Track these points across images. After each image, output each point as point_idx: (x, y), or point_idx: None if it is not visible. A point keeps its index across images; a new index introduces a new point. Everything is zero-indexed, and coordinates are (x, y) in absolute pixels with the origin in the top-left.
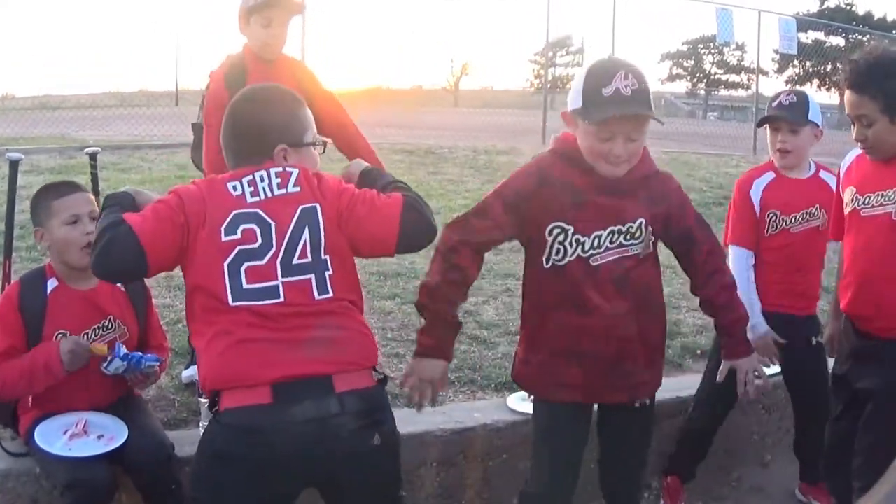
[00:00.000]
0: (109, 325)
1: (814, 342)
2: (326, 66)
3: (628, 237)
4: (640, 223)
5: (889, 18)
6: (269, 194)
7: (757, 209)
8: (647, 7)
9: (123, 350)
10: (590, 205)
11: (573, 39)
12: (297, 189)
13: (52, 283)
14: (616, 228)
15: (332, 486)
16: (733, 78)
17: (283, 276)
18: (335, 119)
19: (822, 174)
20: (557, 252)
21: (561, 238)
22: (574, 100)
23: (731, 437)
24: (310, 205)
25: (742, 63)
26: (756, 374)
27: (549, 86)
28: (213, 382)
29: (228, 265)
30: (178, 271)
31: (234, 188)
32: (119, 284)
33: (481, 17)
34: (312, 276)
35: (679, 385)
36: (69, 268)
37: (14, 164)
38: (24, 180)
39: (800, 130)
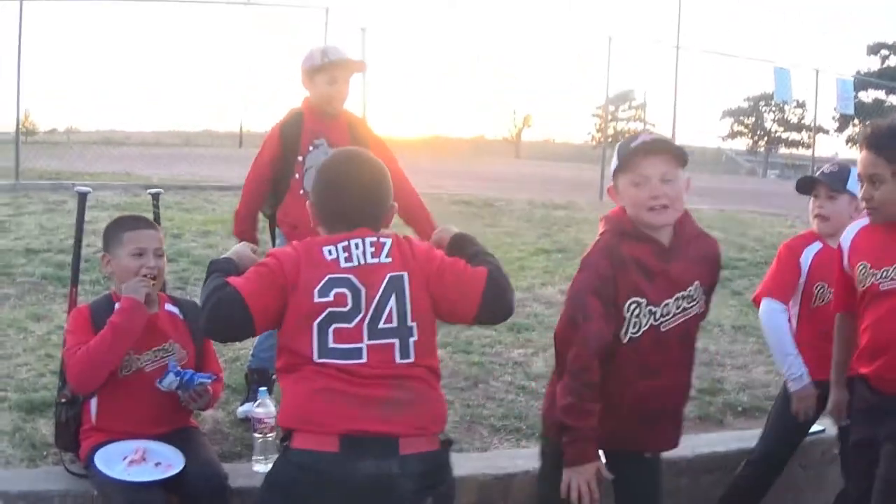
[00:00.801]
0: (169, 348)
1: None
2: (386, 114)
3: (690, 301)
4: (696, 284)
5: None
6: (363, 262)
7: (803, 276)
8: (708, 63)
9: (177, 366)
10: (656, 276)
11: (635, 94)
12: (389, 260)
13: (117, 306)
14: (681, 294)
15: None
16: (794, 136)
17: (368, 339)
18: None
19: None
20: (634, 326)
21: (637, 312)
22: (613, 170)
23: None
24: (398, 273)
25: (802, 121)
26: None
27: (609, 139)
28: (289, 421)
29: (318, 324)
30: None
31: (330, 252)
32: (179, 314)
33: (546, 69)
34: (397, 341)
35: (719, 440)
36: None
37: (83, 197)
38: (90, 215)
39: (837, 197)
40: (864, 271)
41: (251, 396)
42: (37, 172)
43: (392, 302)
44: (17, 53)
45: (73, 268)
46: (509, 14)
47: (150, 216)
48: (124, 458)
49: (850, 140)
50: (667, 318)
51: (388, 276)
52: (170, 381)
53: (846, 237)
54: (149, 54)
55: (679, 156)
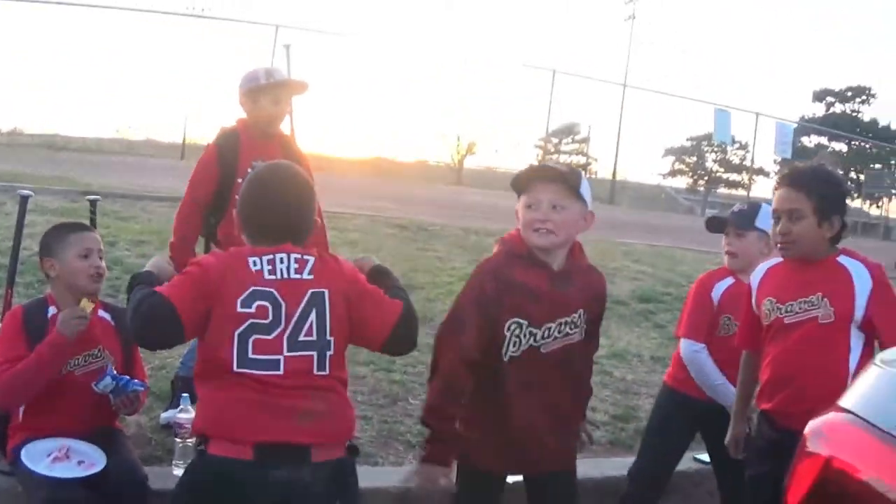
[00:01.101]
0: (98, 354)
1: None
2: (326, 132)
3: (572, 327)
4: (580, 312)
5: (893, 127)
6: (286, 276)
7: (714, 308)
8: (653, 102)
9: (114, 371)
10: (541, 300)
11: (580, 128)
12: (311, 277)
13: (52, 310)
14: (563, 319)
15: None
16: (734, 177)
17: (287, 351)
18: None
19: None
20: (514, 344)
21: (517, 332)
22: (513, 187)
23: None
24: (320, 290)
25: (744, 162)
26: None
27: None
28: (205, 428)
29: (239, 334)
30: None
31: (255, 264)
32: (111, 320)
33: (490, 98)
34: (315, 354)
35: (628, 465)
36: (72, 295)
37: (24, 200)
38: (28, 218)
39: (745, 235)
40: (769, 306)
41: (175, 403)
42: None
43: (313, 316)
44: None
45: (10, 270)
46: (458, 40)
47: (87, 222)
48: (49, 456)
49: None
50: (547, 340)
51: (310, 291)
52: (106, 383)
53: (756, 276)
54: (94, 60)
55: (573, 188)
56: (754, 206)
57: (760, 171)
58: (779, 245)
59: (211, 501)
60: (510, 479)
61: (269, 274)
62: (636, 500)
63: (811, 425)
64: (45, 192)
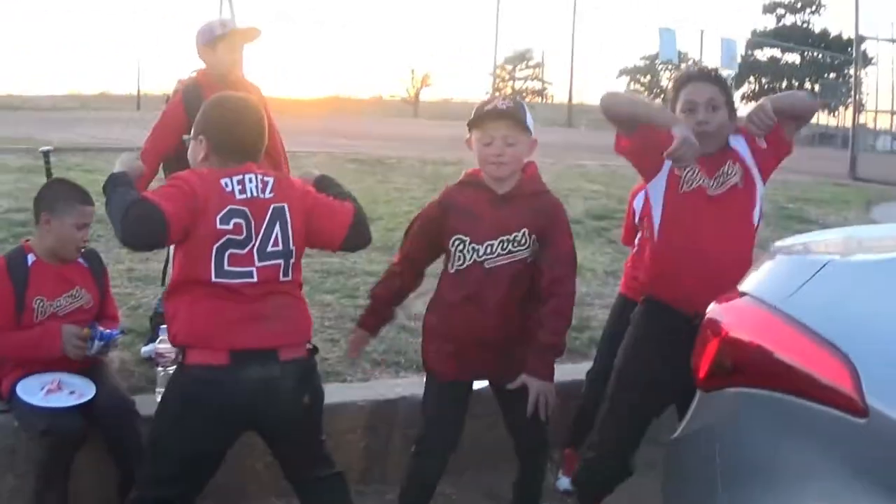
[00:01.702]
0: (77, 294)
1: None
2: (284, 74)
3: (516, 245)
4: (524, 232)
5: (844, 36)
6: (254, 195)
7: (636, 217)
8: (603, 25)
9: (101, 331)
10: (481, 219)
11: (533, 53)
12: (273, 195)
13: (31, 258)
14: (505, 237)
15: (272, 430)
16: None
17: (258, 262)
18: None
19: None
20: (459, 259)
21: (461, 248)
22: (467, 124)
23: None
24: (280, 204)
25: None
26: (547, 398)
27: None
28: (184, 338)
29: (217, 248)
30: (137, 265)
31: (227, 185)
32: (84, 262)
33: (444, 28)
34: (281, 262)
35: (583, 370)
36: (56, 252)
37: None
38: None
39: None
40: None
41: (153, 337)
42: None
43: (277, 229)
44: None
45: None
46: None
47: (44, 173)
48: (42, 388)
49: (745, 97)
50: (491, 256)
51: (272, 206)
52: (97, 346)
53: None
54: (42, 19)
55: (521, 122)
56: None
57: None
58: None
59: (194, 405)
60: (477, 385)
61: (240, 193)
62: (594, 399)
63: (712, 307)
64: (6, 152)
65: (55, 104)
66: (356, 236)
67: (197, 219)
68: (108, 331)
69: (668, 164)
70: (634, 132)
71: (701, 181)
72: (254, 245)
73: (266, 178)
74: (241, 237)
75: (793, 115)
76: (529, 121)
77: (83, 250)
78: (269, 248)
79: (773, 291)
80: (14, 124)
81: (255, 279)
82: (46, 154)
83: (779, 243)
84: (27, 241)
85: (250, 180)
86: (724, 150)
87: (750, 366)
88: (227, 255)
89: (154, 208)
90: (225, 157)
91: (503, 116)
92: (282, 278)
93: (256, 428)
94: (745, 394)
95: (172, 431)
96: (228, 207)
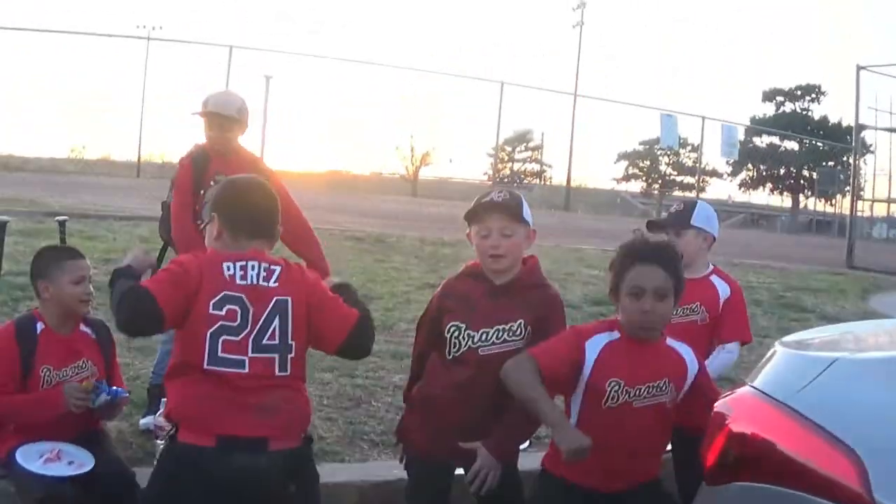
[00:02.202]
0: (83, 366)
1: None
2: (284, 149)
3: (511, 334)
4: (520, 323)
5: (844, 124)
6: (255, 282)
7: None
8: (603, 108)
9: (106, 386)
10: (477, 307)
11: (533, 135)
12: (276, 285)
13: (40, 326)
14: (502, 327)
15: None
16: (688, 179)
17: (252, 353)
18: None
19: (714, 278)
20: (455, 345)
21: (456, 334)
22: (465, 217)
23: None
24: (284, 297)
25: (697, 165)
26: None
27: (505, 180)
28: (176, 416)
29: (210, 334)
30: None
31: (228, 269)
32: (91, 333)
33: (443, 108)
34: (277, 356)
35: None
36: (64, 316)
37: (2, 227)
38: None
39: (684, 234)
40: (617, 387)
41: (152, 409)
42: None
43: (276, 322)
44: None
45: None
46: (409, 54)
47: (57, 242)
48: (41, 457)
49: (744, 184)
50: (485, 344)
51: (275, 298)
52: (102, 399)
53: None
54: (47, 81)
55: (517, 214)
56: (689, 206)
57: (714, 173)
58: (639, 324)
59: (180, 483)
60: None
61: (241, 279)
62: None
63: (720, 402)
64: (8, 214)
65: (56, 167)
66: (355, 345)
67: (191, 303)
68: (115, 388)
69: (583, 381)
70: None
71: (626, 396)
72: (249, 334)
73: (273, 267)
74: (235, 324)
75: None
76: (527, 212)
77: (90, 313)
78: (265, 341)
79: (781, 387)
80: (15, 185)
81: (247, 370)
82: (62, 224)
83: (785, 339)
84: (36, 309)
85: (253, 267)
86: (672, 357)
87: (757, 460)
88: (220, 341)
89: (146, 294)
90: (236, 234)
91: (498, 208)
92: (277, 373)
93: None
94: (751, 488)
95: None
96: (223, 293)
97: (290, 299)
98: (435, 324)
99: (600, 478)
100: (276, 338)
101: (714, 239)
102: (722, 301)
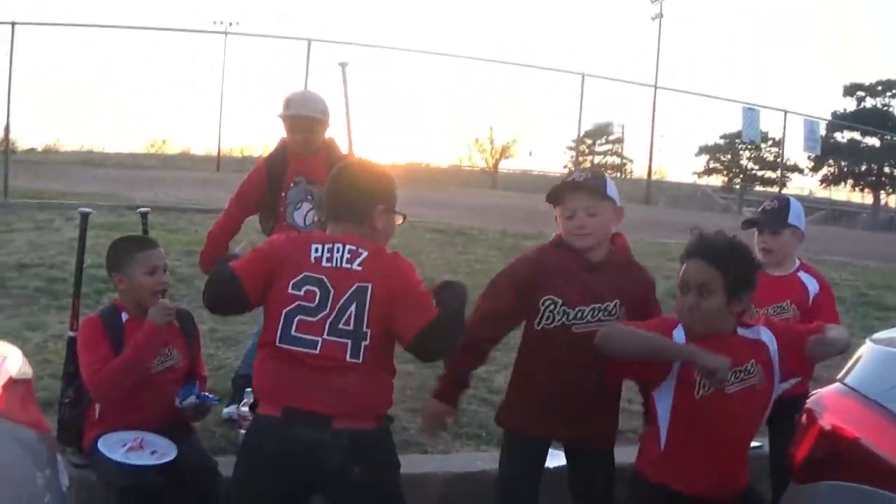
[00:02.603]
0: (168, 354)
1: None
2: (365, 142)
3: (607, 314)
4: (616, 303)
5: None
6: (339, 265)
7: None
8: (683, 101)
9: (198, 390)
10: (574, 284)
11: (614, 128)
12: (360, 269)
13: (125, 316)
14: (597, 306)
15: (332, 495)
16: (769, 174)
17: (326, 335)
18: None
19: (801, 274)
20: (547, 318)
21: (551, 308)
22: (546, 199)
23: None
24: (364, 284)
25: (778, 160)
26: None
27: None
28: (255, 390)
29: (286, 313)
30: (220, 325)
31: (316, 250)
32: (176, 323)
33: (524, 100)
34: (349, 342)
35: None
36: (140, 308)
37: (85, 217)
38: (77, 234)
39: (780, 233)
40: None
41: (235, 399)
42: (22, 192)
43: (353, 307)
44: (7, 75)
45: (76, 283)
46: (490, 46)
47: (133, 230)
48: (124, 446)
49: (825, 180)
50: (580, 322)
51: (356, 284)
52: (190, 401)
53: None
54: (127, 77)
55: (601, 193)
56: (784, 203)
57: (795, 168)
58: (683, 320)
59: (253, 454)
60: (552, 461)
61: (327, 262)
62: None
63: (811, 399)
64: (91, 208)
65: (136, 162)
66: (425, 344)
67: (274, 279)
68: (206, 394)
69: (675, 368)
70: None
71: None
72: (326, 316)
73: (360, 250)
74: (313, 305)
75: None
76: (611, 189)
77: (162, 292)
78: (341, 325)
79: (873, 384)
80: (98, 181)
81: (318, 351)
82: (144, 216)
83: (876, 336)
84: (117, 300)
85: (338, 249)
86: (749, 343)
87: (847, 459)
88: (296, 320)
89: (231, 275)
90: (330, 220)
91: (580, 188)
92: (348, 358)
93: (316, 489)
94: (842, 487)
95: (241, 480)
96: (304, 274)
97: (370, 286)
98: (524, 291)
99: (698, 478)
100: (352, 323)
101: (803, 235)
102: (811, 297)
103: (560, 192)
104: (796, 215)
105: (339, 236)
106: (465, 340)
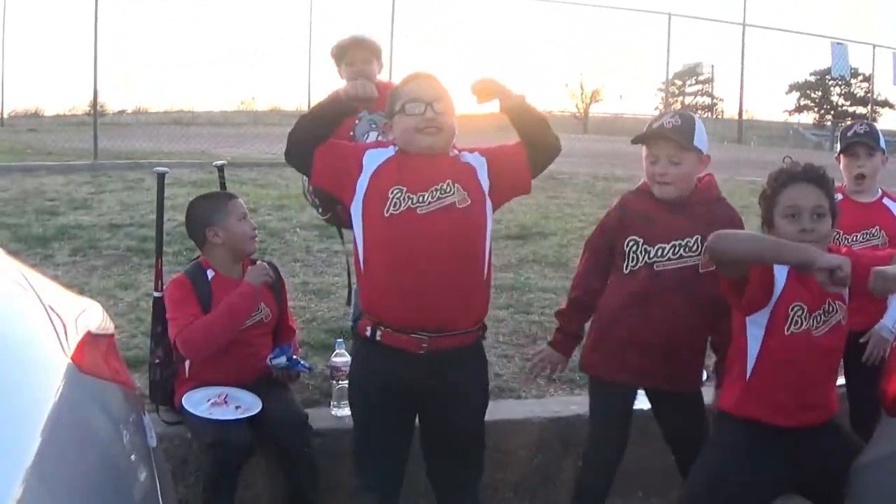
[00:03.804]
0: (258, 308)
1: None
2: (454, 88)
3: (687, 250)
4: (697, 239)
5: None
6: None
7: None
8: (773, 38)
9: (291, 353)
10: (655, 223)
11: (703, 68)
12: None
13: (210, 273)
14: (678, 242)
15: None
16: (860, 110)
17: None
18: None
19: (886, 201)
20: (632, 259)
21: (634, 248)
22: (632, 142)
23: None
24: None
25: (869, 95)
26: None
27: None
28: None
29: (391, 190)
30: (311, 278)
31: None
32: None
33: (612, 44)
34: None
35: None
36: (235, 258)
37: (161, 177)
38: (169, 192)
39: (874, 154)
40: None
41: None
42: (112, 153)
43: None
44: (93, 38)
45: (157, 242)
46: None
47: (219, 187)
48: (208, 401)
49: None
50: (661, 259)
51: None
52: (280, 361)
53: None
54: (213, 36)
55: (687, 141)
56: (873, 127)
57: (886, 104)
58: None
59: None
60: (640, 403)
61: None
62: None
63: None
64: (181, 167)
65: (226, 119)
66: (537, 159)
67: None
68: (298, 359)
69: (774, 298)
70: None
71: (808, 323)
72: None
73: None
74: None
75: None
76: (699, 138)
77: (256, 251)
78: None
79: None
80: (188, 139)
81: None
82: (221, 169)
83: None
84: (200, 257)
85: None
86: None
87: None
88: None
89: (312, 148)
90: None
91: (666, 136)
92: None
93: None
94: None
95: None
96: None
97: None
98: (613, 237)
99: (781, 411)
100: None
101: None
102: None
103: (647, 136)
104: (882, 140)
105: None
106: (572, 289)
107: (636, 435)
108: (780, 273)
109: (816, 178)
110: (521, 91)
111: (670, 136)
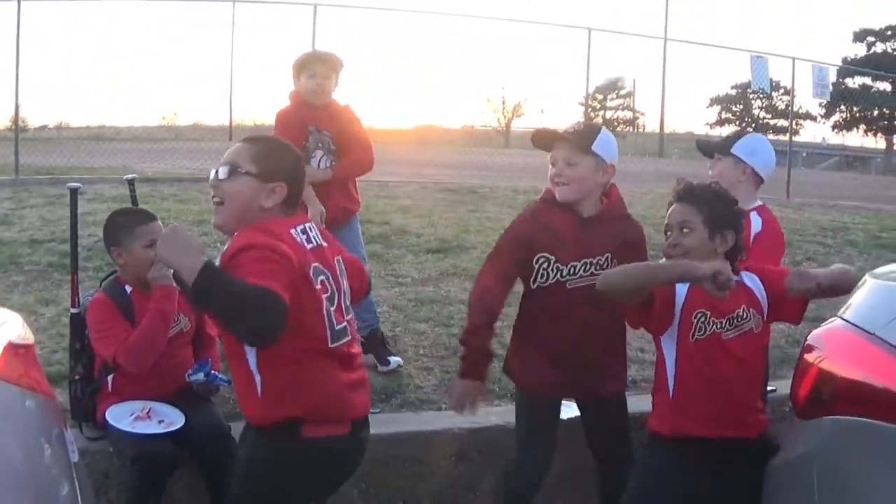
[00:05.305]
0: (177, 319)
1: None
2: (373, 105)
3: (598, 268)
4: (607, 257)
5: None
6: (317, 244)
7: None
8: (694, 53)
9: (209, 368)
10: (566, 242)
11: (624, 82)
12: (326, 243)
13: (128, 288)
14: (589, 260)
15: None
16: (781, 122)
17: (346, 315)
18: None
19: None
20: (542, 276)
21: (545, 265)
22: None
23: None
24: (338, 255)
25: (790, 108)
26: None
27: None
28: (301, 410)
29: (326, 312)
30: None
31: (296, 235)
32: (177, 287)
33: (533, 58)
34: (352, 315)
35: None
36: (140, 280)
37: (74, 192)
38: (90, 207)
39: (722, 159)
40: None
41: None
42: (34, 168)
43: (344, 282)
44: (15, 52)
45: (72, 257)
46: (494, 4)
47: (130, 202)
48: (131, 415)
49: (837, 126)
50: (573, 277)
51: (337, 258)
52: (198, 377)
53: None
54: (134, 50)
55: (583, 145)
56: (738, 134)
57: (807, 116)
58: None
59: (316, 479)
60: (566, 412)
61: (307, 243)
62: None
63: (812, 335)
64: (102, 182)
65: (148, 135)
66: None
67: (299, 286)
68: (216, 374)
69: (677, 313)
70: (645, 297)
71: (714, 327)
72: (339, 298)
73: (311, 224)
74: (328, 293)
75: (834, 294)
76: (601, 146)
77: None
78: (345, 302)
79: (871, 319)
80: (110, 155)
81: (350, 336)
82: (131, 182)
83: (876, 271)
84: (116, 272)
85: (310, 228)
86: (736, 293)
87: (848, 393)
88: (332, 313)
89: (280, 300)
90: (291, 206)
91: (562, 138)
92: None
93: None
94: (844, 421)
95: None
96: (313, 265)
97: (339, 256)
98: (524, 249)
99: (707, 423)
100: (347, 298)
101: (754, 172)
102: (752, 236)
103: (541, 136)
104: (742, 148)
105: (298, 217)
106: (477, 304)
107: (564, 441)
108: (681, 286)
109: (685, 195)
110: None
111: (566, 137)
